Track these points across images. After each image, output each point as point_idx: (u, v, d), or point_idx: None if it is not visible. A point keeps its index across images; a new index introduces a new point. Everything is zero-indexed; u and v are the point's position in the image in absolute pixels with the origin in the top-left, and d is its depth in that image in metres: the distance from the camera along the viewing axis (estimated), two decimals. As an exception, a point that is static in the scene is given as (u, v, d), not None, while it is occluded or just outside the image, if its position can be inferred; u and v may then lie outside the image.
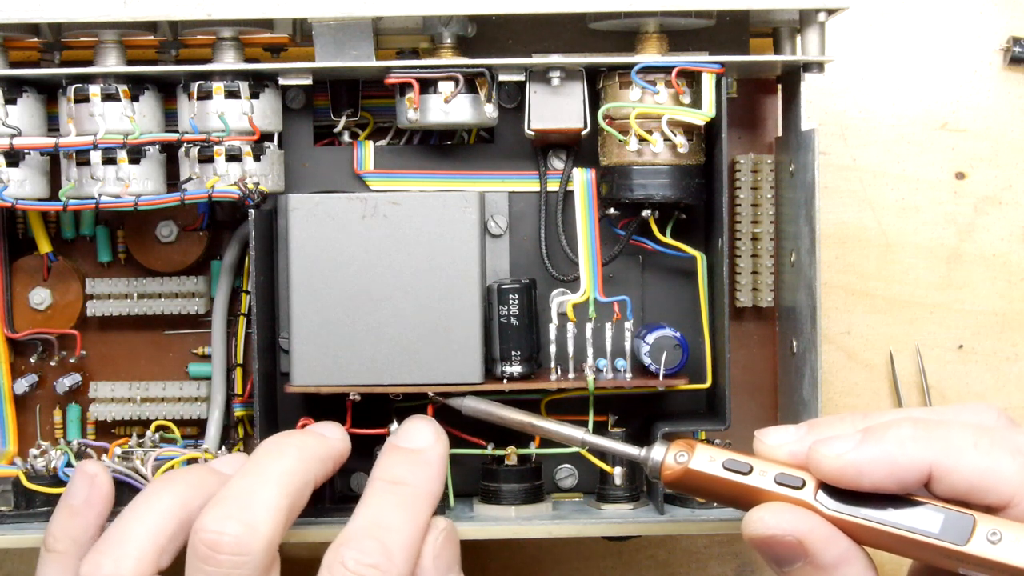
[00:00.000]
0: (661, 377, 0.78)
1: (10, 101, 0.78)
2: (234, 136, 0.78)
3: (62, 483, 0.79)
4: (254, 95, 0.78)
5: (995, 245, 0.91)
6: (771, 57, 0.82)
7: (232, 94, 0.78)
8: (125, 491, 0.78)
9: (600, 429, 0.80)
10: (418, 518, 0.71)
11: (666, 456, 0.67)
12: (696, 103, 0.77)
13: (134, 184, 0.78)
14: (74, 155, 0.78)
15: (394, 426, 0.79)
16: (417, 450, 0.73)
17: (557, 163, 0.82)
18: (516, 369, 0.79)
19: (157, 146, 0.79)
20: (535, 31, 0.81)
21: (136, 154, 0.78)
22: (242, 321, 0.84)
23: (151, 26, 0.79)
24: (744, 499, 0.66)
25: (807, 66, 0.79)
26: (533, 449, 0.80)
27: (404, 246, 0.77)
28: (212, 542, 0.67)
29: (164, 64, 0.81)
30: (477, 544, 0.89)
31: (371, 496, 0.71)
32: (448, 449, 0.75)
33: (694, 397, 0.83)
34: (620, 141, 0.77)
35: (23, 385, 0.84)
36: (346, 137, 0.83)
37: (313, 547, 0.91)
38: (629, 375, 0.79)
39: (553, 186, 0.82)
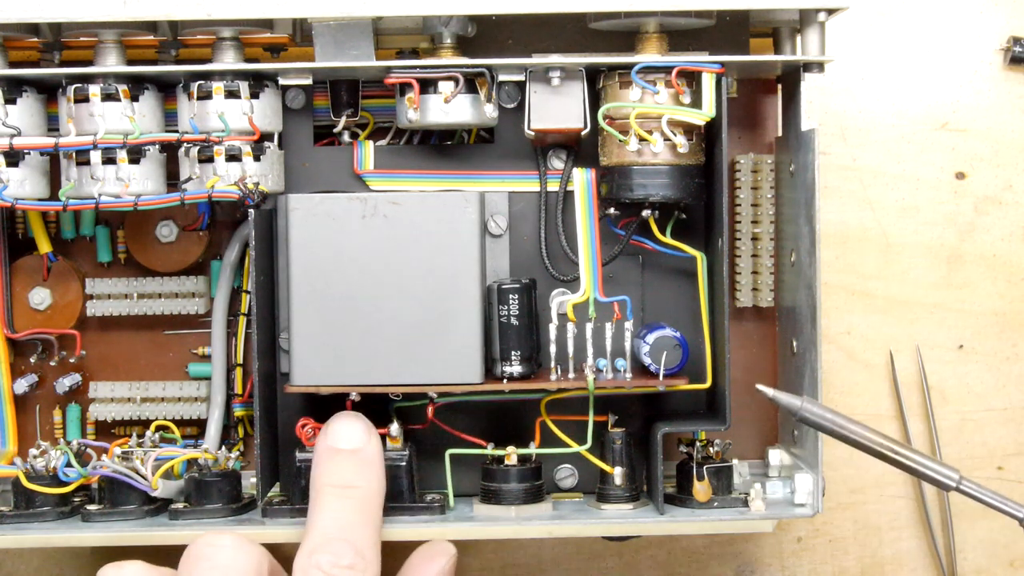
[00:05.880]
0: (661, 377, 0.78)
1: (10, 101, 0.78)
2: (234, 136, 0.78)
3: (62, 483, 0.79)
4: (254, 95, 0.78)
5: (995, 245, 0.91)
6: (771, 57, 0.82)
7: (232, 94, 0.78)
8: (125, 491, 0.78)
9: (600, 429, 0.80)
10: (375, 518, 0.73)
11: None
12: (696, 103, 0.77)
13: (134, 184, 0.78)
14: (74, 155, 0.78)
15: (394, 427, 0.79)
16: (356, 450, 0.74)
17: (557, 163, 0.82)
18: (516, 369, 0.79)
19: (157, 146, 0.79)
20: (535, 31, 0.81)
21: (136, 154, 0.78)
22: (242, 321, 0.84)
23: (151, 26, 0.79)
24: None
25: (807, 66, 0.79)
26: (533, 449, 0.80)
27: (404, 246, 0.77)
28: None
29: (164, 64, 0.81)
30: (477, 544, 0.89)
31: (326, 502, 0.72)
32: (380, 441, 0.75)
33: (694, 397, 0.83)
34: (620, 141, 0.77)
35: (23, 385, 0.84)
36: (346, 137, 0.83)
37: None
38: (629, 375, 0.79)
39: (553, 186, 0.82)
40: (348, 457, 0.74)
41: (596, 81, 0.79)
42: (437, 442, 0.81)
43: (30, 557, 0.90)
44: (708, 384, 0.80)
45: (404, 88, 0.78)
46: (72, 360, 0.84)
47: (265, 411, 0.79)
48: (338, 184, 0.82)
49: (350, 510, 0.72)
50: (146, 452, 0.79)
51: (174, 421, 0.84)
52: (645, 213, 0.80)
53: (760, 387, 0.72)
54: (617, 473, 0.80)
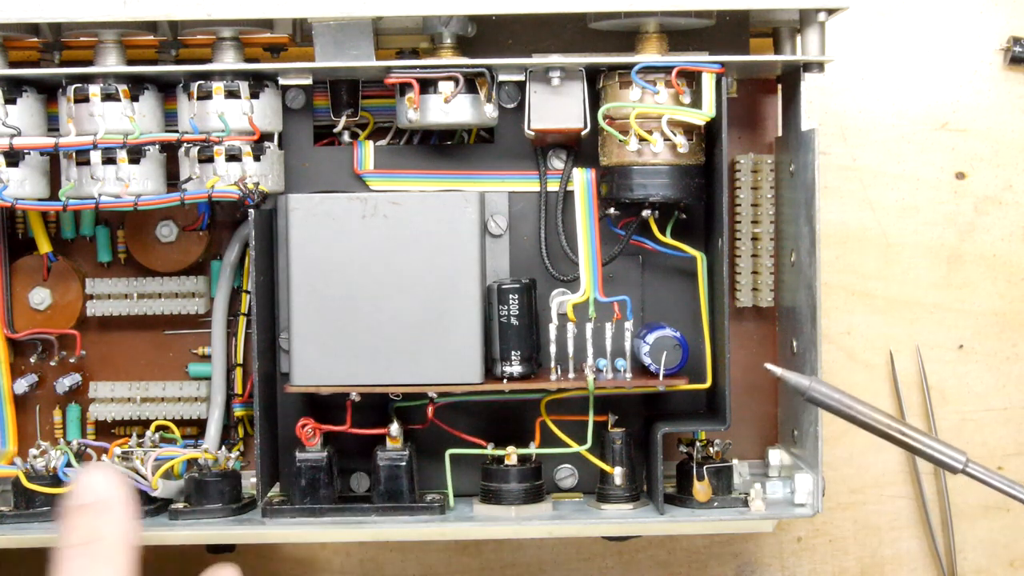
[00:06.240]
0: (661, 377, 0.78)
1: (10, 101, 0.78)
2: (234, 136, 0.78)
3: (62, 483, 0.79)
4: (254, 95, 0.78)
5: (995, 245, 0.91)
6: (771, 57, 0.82)
7: (232, 94, 0.78)
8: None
9: (600, 429, 0.80)
10: (122, 567, 0.69)
11: None
12: (696, 103, 0.77)
13: (134, 184, 0.78)
14: (74, 155, 0.78)
15: (394, 427, 0.79)
16: (99, 502, 0.71)
17: (557, 163, 0.82)
18: (516, 369, 0.79)
19: (157, 146, 0.79)
20: (535, 31, 0.81)
21: (136, 154, 0.78)
22: (242, 321, 0.84)
23: (151, 26, 0.79)
24: None
25: (807, 66, 0.79)
26: (533, 449, 0.80)
27: (404, 246, 0.77)
28: None
29: (164, 64, 0.81)
30: (477, 544, 0.89)
31: (71, 561, 0.68)
32: (127, 489, 0.69)
33: (694, 397, 0.83)
34: (620, 141, 0.77)
35: (23, 385, 0.84)
36: (346, 137, 0.83)
37: (313, 548, 0.92)
38: (629, 375, 0.79)
39: (553, 186, 0.82)
40: (90, 510, 0.70)
41: (596, 81, 0.79)
42: (437, 442, 0.81)
43: (30, 557, 0.90)
44: (708, 384, 0.80)
45: (404, 88, 0.78)
46: (72, 360, 0.84)
47: (265, 411, 0.79)
48: (338, 184, 0.82)
49: (94, 564, 0.69)
50: (146, 452, 0.79)
51: (174, 421, 0.84)
52: (645, 213, 0.80)
53: (768, 366, 0.72)
54: (617, 473, 0.80)
